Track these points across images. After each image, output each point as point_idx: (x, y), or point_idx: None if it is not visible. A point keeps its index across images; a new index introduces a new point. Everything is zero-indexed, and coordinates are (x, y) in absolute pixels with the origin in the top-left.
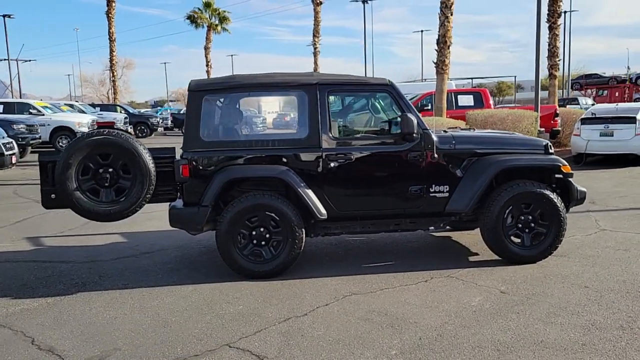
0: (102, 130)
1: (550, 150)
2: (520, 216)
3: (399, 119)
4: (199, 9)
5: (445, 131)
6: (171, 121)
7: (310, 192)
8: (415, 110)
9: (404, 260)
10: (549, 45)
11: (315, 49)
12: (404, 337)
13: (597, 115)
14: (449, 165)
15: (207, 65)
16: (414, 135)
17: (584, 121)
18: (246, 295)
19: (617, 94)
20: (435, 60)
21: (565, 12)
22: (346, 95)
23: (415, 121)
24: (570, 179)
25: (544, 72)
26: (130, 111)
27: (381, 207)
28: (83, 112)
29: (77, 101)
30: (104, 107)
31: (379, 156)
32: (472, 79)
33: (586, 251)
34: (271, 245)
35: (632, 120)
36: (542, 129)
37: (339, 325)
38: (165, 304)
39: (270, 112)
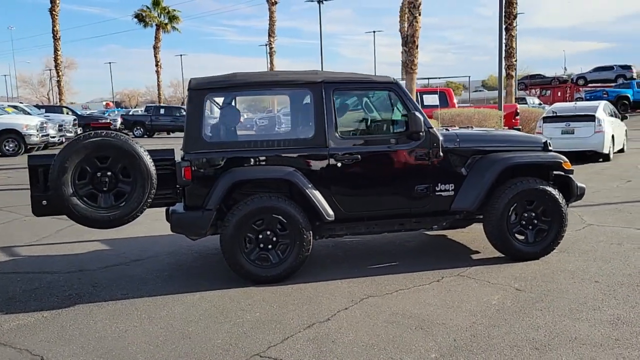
0: (100, 131)
1: (550, 147)
2: (523, 213)
3: (403, 118)
4: (147, 7)
5: (447, 129)
6: (121, 123)
7: (317, 193)
8: (420, 108)
9: (406, 260)
10: (505, 46)
11: (270, 49)
12: (438, 339)
13: (558, 114)
14: (454, 164)
15: (156, 65)
16: (421, 133)
17: (546, 120)
18: (259, 302)
19: (559, 93)
20: (403, 60)
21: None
22: (351, 93)
23: (422, 119)
24: (570, 175)
25: (492, 71)
26: (79, 113)
27: (388, 207)
28: (28, 113)
29: (20, 102)
30: (50, 109)
31: (385, 155)
32: (428, 79)
33: (582, 246)
34: (278, 248)
35: (591, 118)
36: (505, 128)
37: (367, 330)
38: (175, 313)
39: (274, 111)
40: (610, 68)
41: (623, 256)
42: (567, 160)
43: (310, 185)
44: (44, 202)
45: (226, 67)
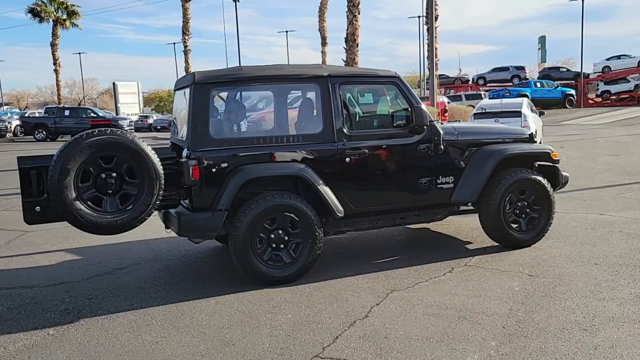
0: (104, 129)
1: (535, 139)
2: (517, 202)
3: (405, 111)
4: (42, 1)
5: (441, 123)
6: (19, 125)
7: (327, 189)
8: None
9: (407, 254)
10: (428, 46)
11: (185, 47)
12: (487, 327)
13: (487, 110)
14: (453, 156)
15: (55, 64)
16: (424, 127)
17: (476, 115)
18: (283, 303)
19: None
20: (344, 59)
21: (419, 16)
22: (356, 87)
23: (427, 113)
24: (557, 165)
25: (409, 69)
26: None
27: (394, 201)
28: None
29: None
30: None
31: (391, 149)
32: None
33: (562, 232)
34: (290, 248)
35: (517, 114)
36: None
37: (412, 323)
38: (200, 321)
39: (281, 106)
40: (506, 69)
41: (604, 240)
42: (555, 151)
43: (320, 182)
44: (37, 208)
45: (127, 67)
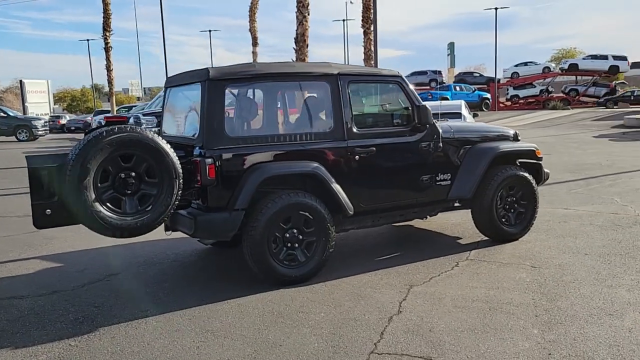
0: (123, 126)
1: (519, 138)
2: (507, 198)
3: (407, 110)
4: None
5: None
6: None
7: (339, 188)
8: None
9: (404, 250)
10: (364, 49)
11: (106, 44)
12: (521, 317)
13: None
14: (450, 154)
15: None
16: (427, 125)
17: None
18: (308, 302)
19: None
20: (293, 60)
21: (343, 20)
22: (362, 86)
23: (431, 111)
24: (540, 162)
25: None
26: None
27: (399, 198)
28: None
29: None
30: None
31: (396, 147)
32: None
33: (539, 226)
34: (303, 247)
35: (458, 115)
36: None
37: (449, 316)
38: (231, 323)
39: (292, 103)
40: (424, 72)
41: (581, 232)
42: (539, 149)
43: (333, 180)
44: (48, 211)
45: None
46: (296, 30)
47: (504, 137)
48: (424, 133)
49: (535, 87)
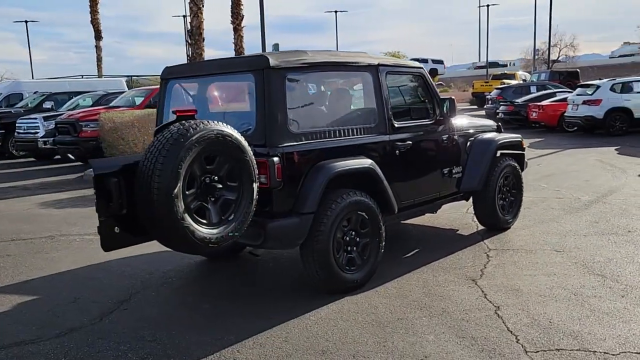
0: (206, 121)
1: (502, 130)
2: (502, 188)
3: (429, 103)
4: None
5: None
6: None
7: (388, 185)
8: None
9: (423, 246)
10: (235, 45)
11: None
12: (609, 297)
13: None
14: (461, 146)
15: None
16: (447, 119)
17: None
18: (400, 309)
19: None
20: (189, 54)
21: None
22: (395, 78)
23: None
24: (524, 152)
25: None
26: None
27: (427, 192)
28: None
29: None
30: None
31: (426, 140)
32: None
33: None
34: (358, 249)
35: None
36: None
37: (553, 307)
38: (318, 336)
39: (340, 95)
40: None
41: (552, 217)
42: (523, 140)
43: (383, 177)
44: (117, 229)
45: None
46: (190, 23)
47: (493, 129)
48: (443, 126)
49: None
